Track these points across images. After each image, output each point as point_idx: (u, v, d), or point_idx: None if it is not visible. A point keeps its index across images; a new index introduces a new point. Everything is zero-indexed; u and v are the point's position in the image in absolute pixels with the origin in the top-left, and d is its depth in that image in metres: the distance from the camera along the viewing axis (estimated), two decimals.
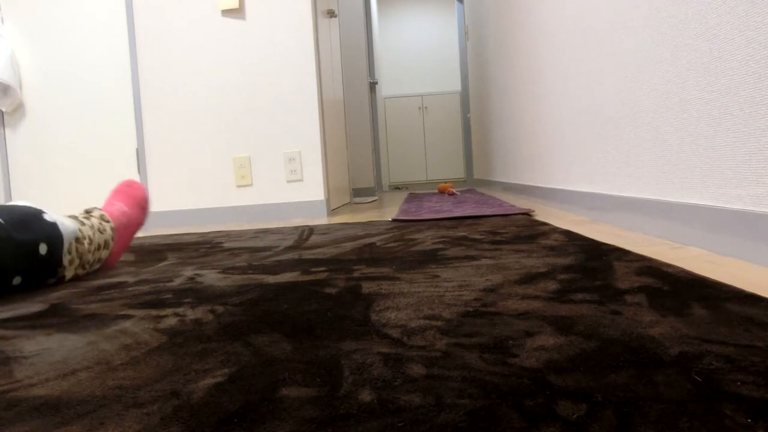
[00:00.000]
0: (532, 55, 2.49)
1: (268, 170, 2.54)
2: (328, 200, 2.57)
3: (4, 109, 2.62)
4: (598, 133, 1.65)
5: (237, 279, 1.02)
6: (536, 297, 0.73)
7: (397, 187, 6.96)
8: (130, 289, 0.99)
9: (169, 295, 0.90)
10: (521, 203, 2.53)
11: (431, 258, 1.11)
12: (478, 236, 1.41)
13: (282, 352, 0.56)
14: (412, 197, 3.70)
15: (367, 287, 0.86)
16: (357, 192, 4.47)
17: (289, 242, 1.56)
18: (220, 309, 0.77)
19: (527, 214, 1.97)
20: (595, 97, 1.65)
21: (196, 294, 0.90)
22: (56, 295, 0.97)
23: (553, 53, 2.12)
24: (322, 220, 2.35)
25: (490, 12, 3.86)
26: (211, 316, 0.73)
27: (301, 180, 2.52)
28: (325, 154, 2.63)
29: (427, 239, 1.42)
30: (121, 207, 1.34)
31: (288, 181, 2.53)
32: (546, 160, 2.37)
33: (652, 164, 1.28)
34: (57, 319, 0.78)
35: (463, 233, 1.50)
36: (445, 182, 6.02)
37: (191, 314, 0.75)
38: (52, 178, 2.66)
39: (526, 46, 2.62)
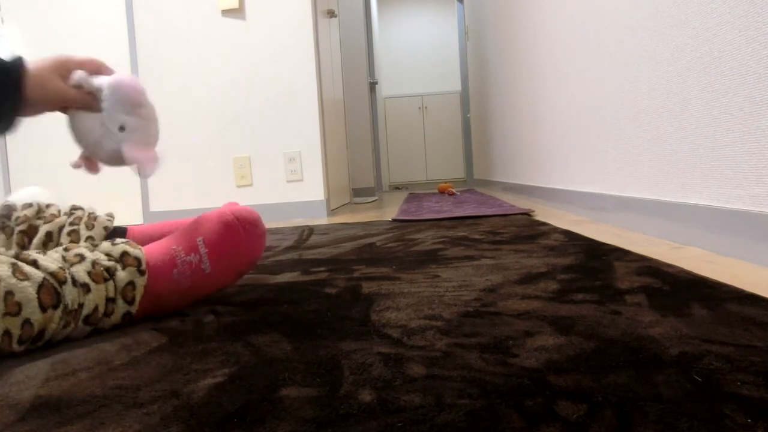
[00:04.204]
0: (532, 55, 2.49)
1: (268, 170, 2.54)
2: (328, 200, 2.57)
3: None
4: (598, 133, 1.65)
5: None
6: (536, 297, 0.73)
7: (397, 187, 6.96)
8: None
9: None
10: (521, 203, 2.53)
11: (431, 258, 1.11)
12: (478, 236, 1.41)
13: (282, 352, 0.56)
14: (412, 197, 3.70)
15: (367, 287, 0.86)
16: (357, 192, 4.47)
17: (289, 242, 1.56)
18: (220, 309, 0.77)
19: (527, 214, 1.97)
20: (595, 97, 1.65)
21: None
22: None
23: (553, 53, 2.12)
24: (322, 220, 2.35)
25: (490, 12, 3.86)
26: (211, 316, 0.73)
27: (301, 180, 2.52)
28: (325, 154, 2.63)
29: (427, 239, 1.42)
30: (191, 260, 0.75)
31: (288, 181, 2.53)
32: (546, 160, 2.37)
33: (652, 164, 1.28)
34: None
35: (463, 233, 1.50)
36: (445, 182, 6.02)
37: (191, 314, 0.75)
38: (52, 178, 2.66)
39: (526, 46, 2.62)
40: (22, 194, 1.13)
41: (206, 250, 0.76)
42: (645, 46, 1.28)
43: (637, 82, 1.33)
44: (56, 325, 0.61)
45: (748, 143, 0.91)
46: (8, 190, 2.67)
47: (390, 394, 0.44)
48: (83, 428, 0.41)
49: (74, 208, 1.05)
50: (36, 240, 0.96)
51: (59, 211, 1.03)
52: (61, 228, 0.99)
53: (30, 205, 1.00)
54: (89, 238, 1.00)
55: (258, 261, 0.82)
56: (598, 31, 1.58)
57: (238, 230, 0.78)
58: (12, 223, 0.96)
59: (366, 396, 0.44)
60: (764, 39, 0.85)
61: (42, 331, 0.60)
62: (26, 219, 0.98)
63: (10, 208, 0.98)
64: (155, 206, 2.58)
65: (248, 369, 0.52)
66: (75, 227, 1.01)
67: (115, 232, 1.05)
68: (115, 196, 2.64)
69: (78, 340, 0.65)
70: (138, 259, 0.71)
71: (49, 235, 0.98)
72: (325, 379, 0.48)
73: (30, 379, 0.53)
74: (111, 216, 1.07)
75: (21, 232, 0.96)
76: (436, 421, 0.39)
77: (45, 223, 0.98)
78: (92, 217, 1.04)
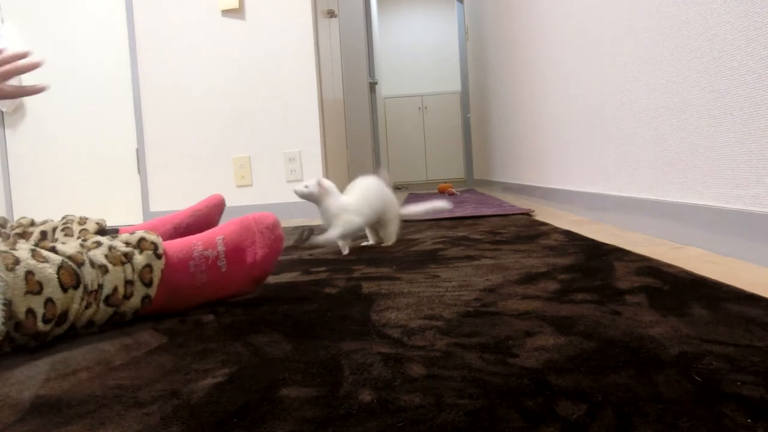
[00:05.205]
0: (532, 55, 2.49)
1: (268, 170, 2.54)
2: None
3: (4, 109, 2.62)
4: (598, 133, 1.65)
5: None
6: (536, 297, 0.73)
7: (397, 187, 6.96)
8: None
9: None
10: (521, 203, 2.53)
11: (431, 258, 1.11)
12: (478, 236, 1.41)
13: (282, 352, 0.56)
14: (412, 197, 3.70)
15: (367, 287, 0.86)
16: None
17: (289, 242, 1.56)
18: (220, 309, 0.77)
19: (527, 214, 1.97)
20: (595, 97, 1.65)
21: None
22: None
23: (553, 53, 2.12)
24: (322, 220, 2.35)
25: (490, 12, 3.86)
26: (211, 316, 0.73)
27: (301, 180, 2.52)
28: (325, 154, 2.63)
29: (427, 239, 1.42)
30: (208, 255, 0.77)
31: (288, 181, 2.53)
32: (546, 160, 2.37)
33: (652, 164, 1.28)
34: None
35: (463, 233, 1.50)
36: (445, 182, 6.02)
37: (191, 314, 0.75)
38: (52, 178, 2.66)
39: (526, 46, 2.62)
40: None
41: (224, 249, 0.78)
42: (645, 46, 1.28)
43: (637, 82, 1.33)
44: (78, 306, 0.63)
45: (747, 143, 0.91)
46: (8, 190, 2.67)
47: (390, 394, 0.44)
48: (83, 428, 0.41)
49: (66, 216, 1.14)
50: (31, 240, 1.02)
51: (52, 221, 1.12)
52: (54, 228, 1.07)
53: (24, 218, 1.09)
54: (83, 230, 1.07)
55: (274, 267, 0.84)
56: (598, 31, 1.58)
57: (255, 232, 0.81)
58: (8, 230, 1.02)
59: (366, 396, 0.44)
60: (764, 39, 0.85)
61: (65, 312, 0.62)
62: (21, 225, 1.06)
63: (5, 219, 1.06)
64: (155, 206, 2.58)
65: (248, 369, 0.52)
66: (68, 225, 1.09)
67: (106, 233, 1.12)
68: (115, 197, 2.64)
69: (78, 340, 0.65)
70: (155, 244, 0.73)
71: (43, 233, 1.05)
72: (325, 379, 0.48)
73: (30, 379, 0.53)
74: (102, 220, 1.16)
75: (16, 234, 1.02)
76: (436, 421, 0.39)
77: (38, 226, 1.05)
78: (84, 218, 1.13)
